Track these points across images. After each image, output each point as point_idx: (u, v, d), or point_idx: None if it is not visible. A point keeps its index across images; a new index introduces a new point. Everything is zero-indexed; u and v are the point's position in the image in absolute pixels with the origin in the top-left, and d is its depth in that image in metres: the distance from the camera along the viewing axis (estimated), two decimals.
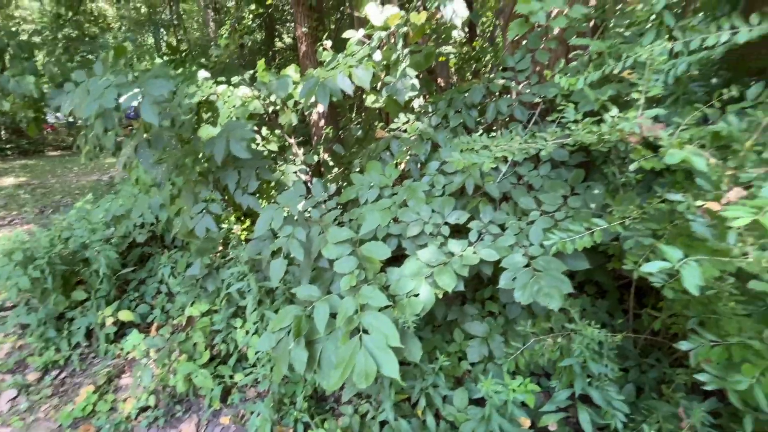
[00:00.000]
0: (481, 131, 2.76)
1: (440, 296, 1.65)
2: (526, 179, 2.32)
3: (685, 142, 1.28)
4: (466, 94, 2.73)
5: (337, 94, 2.04)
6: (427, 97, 3.05)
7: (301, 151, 2.98)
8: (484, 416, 1.53)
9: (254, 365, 2.35)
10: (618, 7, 2.05)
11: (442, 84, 3.55)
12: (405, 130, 2.78)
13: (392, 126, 2.87)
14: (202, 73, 2.89)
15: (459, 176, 2.25)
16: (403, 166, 2.74)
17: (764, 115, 1.17)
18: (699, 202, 1.07)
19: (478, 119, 2.68)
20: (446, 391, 1.90)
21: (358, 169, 3.04)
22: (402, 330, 1.57)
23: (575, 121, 1.53)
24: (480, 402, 1.81)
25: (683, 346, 1.27)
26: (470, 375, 2.11)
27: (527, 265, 1.64)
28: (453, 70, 3.37)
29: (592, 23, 2.40)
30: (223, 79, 3.18)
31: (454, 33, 3.44)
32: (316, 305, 1.64)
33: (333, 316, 1.63)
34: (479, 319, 2.24)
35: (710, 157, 1.22)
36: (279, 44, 9.42)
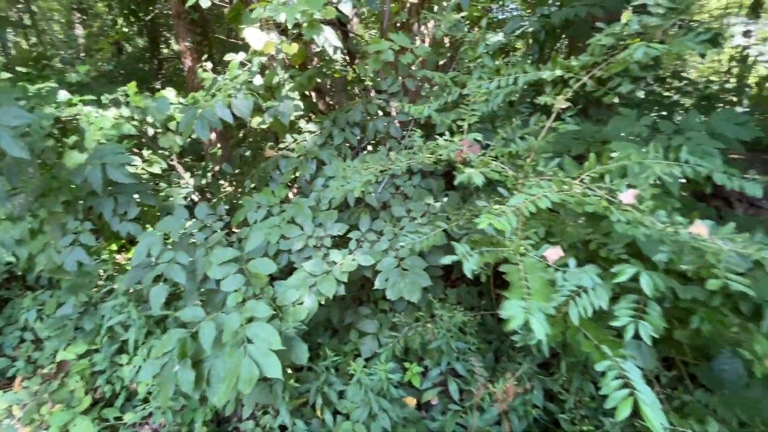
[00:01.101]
0: (363, 147, 3.04)
1: (323, 302, 1.83)
2: (402, 189, 2.65)
3: (493, 159, 1.67)
4: (348, 114, 2.99)
5: (217, 125, 2.11)
6: (313, 117, 3.24)
7: (187, 175, 2.92)
8: (365, 400, 1.75)
9: (146, 400, 2.25)
10: (462, 49, 2.50)
11: (331, 103, 3.78)
12: (293, 149, 2.93)
13: (280, 146, 2.99)
14: (63, 94, 2.66)
15: (344, 188, 2.48)
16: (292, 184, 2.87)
17: (534, 141, 1.61)
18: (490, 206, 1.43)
19: (360, 137, 2.95)
20: (341, 387, 2.08)
21: (253, 186, 3.08)
22: (288, 336, 1.71)
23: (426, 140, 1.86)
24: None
25: (503, 314, 1.65)
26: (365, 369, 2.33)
27: (398, 266, 1.91)
28: (336, 90, 3.63)
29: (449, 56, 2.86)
30: (91, 97, 2.95)
31: (336, 57, 3.70)
32: (201, 325, 1.69)
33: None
34: (372, 318, 2.48)
35: (509, 170, 1.62)
36: (166, 51, 8.75)
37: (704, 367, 1.47)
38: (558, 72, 1.61)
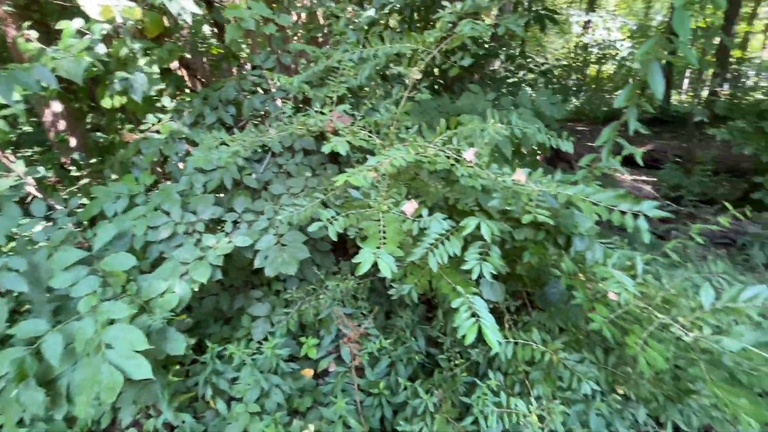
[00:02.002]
0: (241, 127, 2.89)
1: (196, 289, 1.73)
2: (285, 168, 2.60)
3: (361, 128, 1.74)
4: (221, 91, 2.79)
5: (32, 87, 1.78)
6: (180, 95, 2.95)
7: (19, 165, 2.41)
8: (256, 380, 1.73)
9: None
10: (327, 23, 2.50)
11: (204, 81, 3.47)
12: (158, 131, 2.63)
13: (142, 127, 2.67)
14: None
15: (218, 173, 2.33)
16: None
17: (395, 110, 1.72)
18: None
19: (235, 116, 2.79)
20: (234, 373, 2.02)
21: (115, 177, 2.70)
22: (159, 329, 1.59)
23: (292, 115, 1.84)
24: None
25: (383, 273, 1.78)
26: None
27: (277, 243, 1.89)
28: (209, 67, 3.34)
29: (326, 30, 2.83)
30: None
31: (204, 29, 3.39)
32: (45, 339, 1.46)
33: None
34: (263, 301, 2.43)
35: (377, 139, 1.71)
36: None
37: (539, 292, 1.80)
38: (412, 45, 1.74)
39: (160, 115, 2.65)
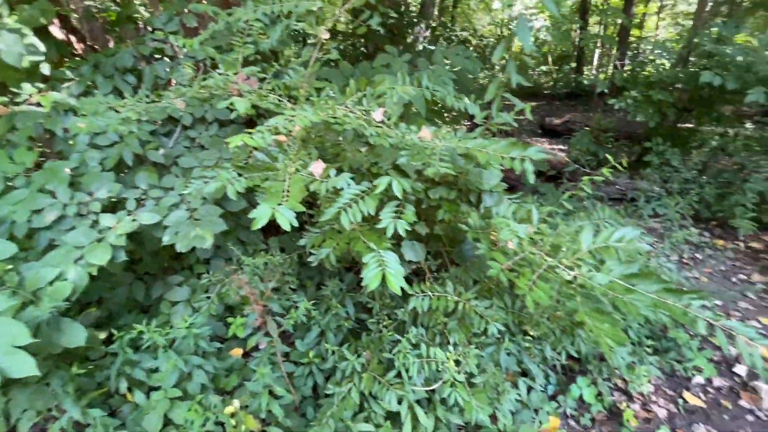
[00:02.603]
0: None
1: (94, 273, 1.57)
2: (198, 141, 2.42)
3: (270, 91, 1.66)
4: (116, 58, 2.49)
5: None
6: (67, 62, 2.58)
7: None
8: (173, 363, 1.64)
9: None
10: None
11: (96, 47, 3.05)
12: (39, 103, 2.28)
13: (18, 99, 2.29)
14: None
15: (116, 148, 2.10)
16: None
17: (312, 70, 1.66)
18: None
19: (136, 85, 2.51)
20: (152, 362, 1.89)
21: None
22: (51, 321, 1.42)
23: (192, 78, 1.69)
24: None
25: (302, 242, 1.76)
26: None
27: (190, 218, 1.77)
28: (103, 31, 2.94)
29: None
30: None
31: None
32: None
33: None
34: (183, 285, 2.28)
35: (287, 102, 1.64)
36: None
37: (456, 250, 1.90)
38: (318, 4, 1.66)
39: (40, 85, 2.29)
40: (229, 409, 1.51)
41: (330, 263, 1.62)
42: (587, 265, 1.25)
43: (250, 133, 1.20)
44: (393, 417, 1.68)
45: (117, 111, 1.62)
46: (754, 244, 3.82)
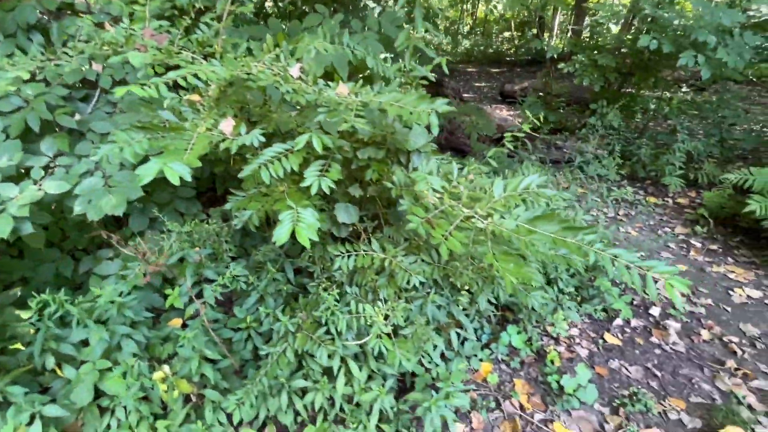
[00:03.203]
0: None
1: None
2: (120, 106, 2.26)
3: (181, 48, 1.55)
4: (15, 13, 2.23)
5: None
6: None
7: None
8: (100, 336, 1.60)
9: None
10: None
11: None
12: None
13: None
14: None
15: (20, 114, 1.92)
16: None
17: (226, 24, 1.56)
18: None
19: (44, 45, 2.27)
20: (82, 336, 1.83)
21: None
22: None
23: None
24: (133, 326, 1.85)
25: (227, 206, 1.72)
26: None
27: (105, 185, 1.67)
28: None
29: None
30: None
31: None
32: None
33: None
34: (115, 259, 2.19)
35: (200, 59, 1.55)
36: None
37: (392, 210, 1.93)
38: None
39: None
40: (158, 375, 1.51)
41: (253, 225, 1.60)
42: (499, 213, 1.31)
43: (142, 84, 1.13)
44: (329, 372, 1.74)
45: (5, 69, 1.46)
46: (681, 200, 4.13)
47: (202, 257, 1.99)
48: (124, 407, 1.63)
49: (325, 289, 1.99)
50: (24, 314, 1.96)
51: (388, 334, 1.59)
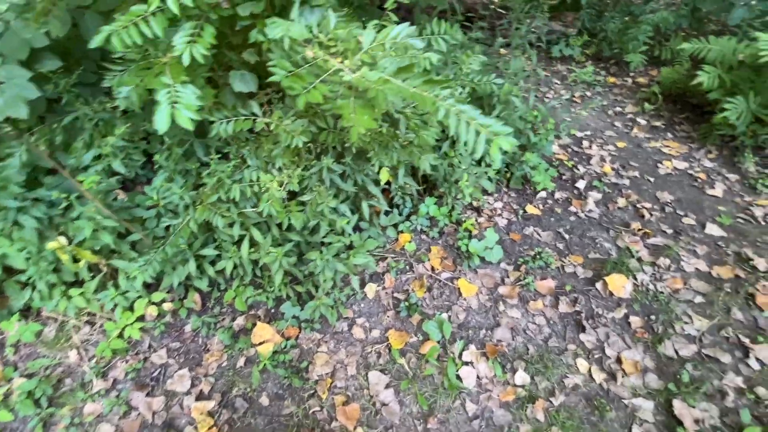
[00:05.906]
0: None
1: None
2: None
3: None
4: None
5: None
6: None
7: None
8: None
9: None
10: None
11: None
12: None
13: None
14: None
15: None
16: None
17: None
18: None
19: None
20: None
21: None
22: None
23: None
24: None
25: (105, 83, 1.58)
26: None
27: None
28: None
29: None
30: None
31: None
32: None
33: None
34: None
35: None
36: None
37: None
38: None
39: None
40: (52, 245, 1.54)
41: (132, 104, 1.48)
42: (368, 66, 1.22)
43: None
44: (239, 242, 1.81)
45: None
46: (641, 79, 3.97)
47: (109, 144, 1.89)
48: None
49: (236, 166, 1.96)
50: None
51: (283, 200, 1.61)
